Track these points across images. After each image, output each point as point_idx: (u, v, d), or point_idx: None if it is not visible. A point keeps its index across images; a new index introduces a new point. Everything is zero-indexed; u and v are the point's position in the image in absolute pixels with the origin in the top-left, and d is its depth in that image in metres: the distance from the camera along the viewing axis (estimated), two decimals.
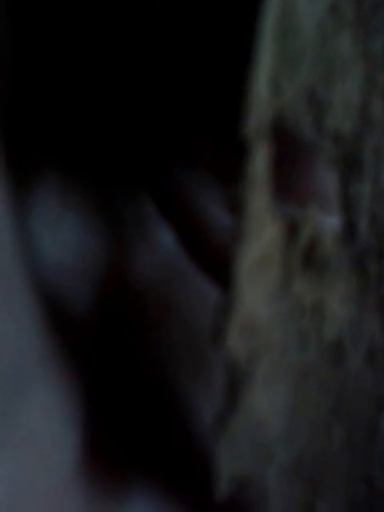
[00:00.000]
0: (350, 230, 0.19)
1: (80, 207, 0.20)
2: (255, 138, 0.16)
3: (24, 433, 0.18)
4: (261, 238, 0.16)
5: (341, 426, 0.20)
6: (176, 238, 0.20)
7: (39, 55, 0.20)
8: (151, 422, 0.20)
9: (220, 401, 0.17)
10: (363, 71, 0.19)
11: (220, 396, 0.17)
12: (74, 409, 0.19)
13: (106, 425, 0.19)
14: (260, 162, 0.16)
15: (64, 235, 0.20)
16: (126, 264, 0.20)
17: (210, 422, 0.18)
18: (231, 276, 0.16)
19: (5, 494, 0.17)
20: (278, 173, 0.17)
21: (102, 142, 0.21)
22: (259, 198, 0.16)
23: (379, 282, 0.20)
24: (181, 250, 0.20)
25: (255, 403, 0.17)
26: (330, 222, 0.18)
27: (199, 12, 0.20)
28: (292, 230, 0.18)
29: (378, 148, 0.19)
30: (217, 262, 0.20)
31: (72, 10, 0.20)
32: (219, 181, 0.20)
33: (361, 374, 0.20)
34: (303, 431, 0.19)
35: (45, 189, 0.20)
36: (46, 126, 0.21)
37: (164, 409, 0.20)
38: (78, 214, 0.21)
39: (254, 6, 0.17)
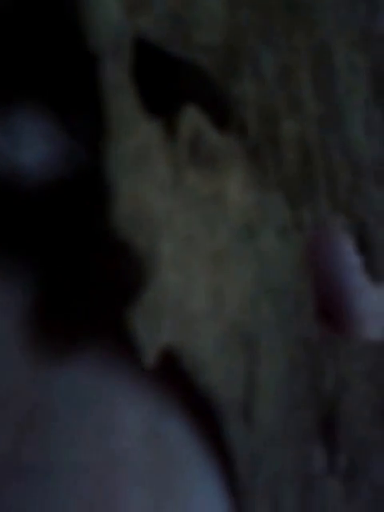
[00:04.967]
0: (239, 124, 0.22)
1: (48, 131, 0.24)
2: (104, 52, 0.19)
3: None
4: (133, 135, 0.19)
5: (268, 297, 0.22)
6: None
7: None
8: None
9: (129, 279, 0.20)
10: None
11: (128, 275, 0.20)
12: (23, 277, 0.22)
13: (55, 296, 0.22)
14: (117, 70, 0.19)
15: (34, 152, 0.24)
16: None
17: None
18: (105, 174, 0.18)
19: None
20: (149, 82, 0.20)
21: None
22: (123, 100, 0.19)
23: (277, 165, 0.22)
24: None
25: (167, 283, 0.20)
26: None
27: None
28: (170, 128, 0.20)
29: (252, 53, 0.22)
30: None
31: None
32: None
33: (276, 249, 0.22)
34: (231, 305, 0.21)
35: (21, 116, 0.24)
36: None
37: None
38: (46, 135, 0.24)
39: None
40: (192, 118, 0.20)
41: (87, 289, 0.22)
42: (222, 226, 0.21)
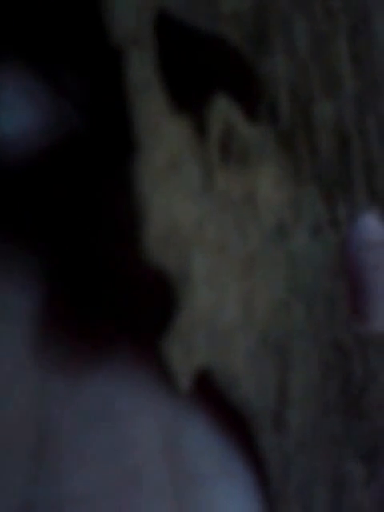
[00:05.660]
0: (270, 109, 0.19)
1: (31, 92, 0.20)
2: (128, 44, 0.15)
3: None
4: (163, 141, 0.16)
5: (300, 301, 0.20)
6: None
7: None
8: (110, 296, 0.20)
9: (160, 303, 0.18)
10: None
11: (159, 299, 0.18)
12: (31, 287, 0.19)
13: (66, 299, 0.19)
14: (142, 64, 0.16)
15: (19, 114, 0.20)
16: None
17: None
18: (136, 188, 0.15)
19: None
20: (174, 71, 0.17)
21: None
22: (151, 101, 0.16)
23: (311, 153, 0.19)
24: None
25: (200, 302, 0.17)
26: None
27: None
28: (200, 126, 0.17)
29: (284, 19, 0.18)
30: None
31: None
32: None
33: (309, 249, 0.20)
34: (262, 312, 0.19)
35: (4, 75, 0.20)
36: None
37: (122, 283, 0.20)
38: (29, 98, 0.21)
39: None
40: (222, 112, 0.17)
41: (101, 295, 0.19)
42: (253, 228, 0.18)
